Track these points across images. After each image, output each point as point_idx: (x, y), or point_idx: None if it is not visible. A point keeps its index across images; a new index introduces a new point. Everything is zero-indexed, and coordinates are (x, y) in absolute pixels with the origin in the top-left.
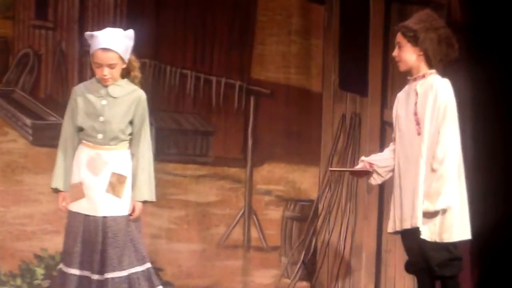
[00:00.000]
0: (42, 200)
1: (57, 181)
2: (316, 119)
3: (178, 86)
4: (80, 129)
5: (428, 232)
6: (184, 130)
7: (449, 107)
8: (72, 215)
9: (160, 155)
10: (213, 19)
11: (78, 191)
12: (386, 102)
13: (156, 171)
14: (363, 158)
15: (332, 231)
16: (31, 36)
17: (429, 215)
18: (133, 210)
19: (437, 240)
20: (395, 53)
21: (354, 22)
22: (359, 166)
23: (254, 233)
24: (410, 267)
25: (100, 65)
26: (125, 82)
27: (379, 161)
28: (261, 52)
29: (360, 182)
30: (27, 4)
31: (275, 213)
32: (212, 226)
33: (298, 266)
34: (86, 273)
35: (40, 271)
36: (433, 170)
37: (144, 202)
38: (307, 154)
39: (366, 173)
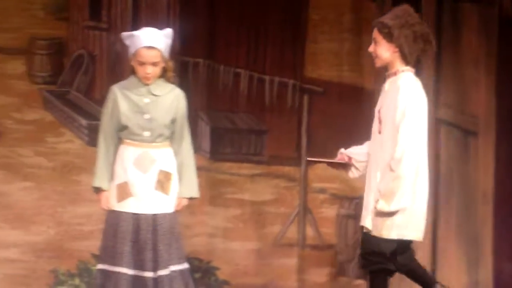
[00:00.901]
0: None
1: (101, 180)
2: (369, 116)
3: (231, 86)
4: (123, 128)
5: (371, 225)
6: (239, 130)
7: (410, 107)
8: (118, 214)
9: (215, 154)
10: (265, 19)
11: (124, 191)
12: (438, 99)
13: (212, 170)
14: (342, 150)
15: None
16: (85, 37)
17: (383, 214)
18: (179, 206)
19: (376, 234)
20: (370, 48)
21: None
22: (337, 158)
23: (309, 231)
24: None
25: (143, 63)
26: (162, 81)
27: (357, 155)
28: (314, 51)
29: None
30: (81, 5)
31: (330, 211)
32: (267, 224)
33: (353, 264)
34: (138, 272)
35: None
36: (391, 170)
37: (190, 198)
38: None
39: (344, 166)
